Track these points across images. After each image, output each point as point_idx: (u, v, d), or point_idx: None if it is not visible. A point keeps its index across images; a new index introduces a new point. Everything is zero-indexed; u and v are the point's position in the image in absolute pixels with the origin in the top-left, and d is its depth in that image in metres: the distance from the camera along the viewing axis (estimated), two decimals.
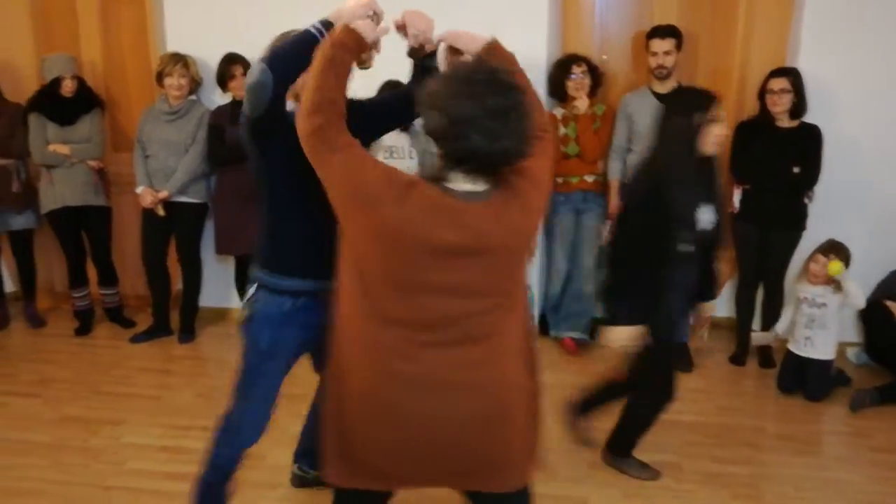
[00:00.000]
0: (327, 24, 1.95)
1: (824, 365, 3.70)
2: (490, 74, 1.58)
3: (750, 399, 3.73)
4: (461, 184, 1.65)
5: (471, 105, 1.54)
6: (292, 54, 1.94)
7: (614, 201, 4.12)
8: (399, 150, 3.99)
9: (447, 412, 1.67)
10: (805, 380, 3.71)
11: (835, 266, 3.54)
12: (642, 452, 3.16)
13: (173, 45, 4.39)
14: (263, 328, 2.20)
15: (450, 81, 1.59)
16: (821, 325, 3.67)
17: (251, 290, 2.22)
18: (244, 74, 4.14)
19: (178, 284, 4.45)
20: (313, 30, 1.95)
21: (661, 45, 3.93)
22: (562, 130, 4.10)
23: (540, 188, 1.75)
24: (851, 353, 4.18)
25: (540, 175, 1.76)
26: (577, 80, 4.02)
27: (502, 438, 1.74)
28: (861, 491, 2.94)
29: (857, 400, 3.59)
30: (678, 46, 3.94)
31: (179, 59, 4.15)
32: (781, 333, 3.87)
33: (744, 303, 4.18)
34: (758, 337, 4.01)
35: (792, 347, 3.77)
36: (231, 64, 4.13)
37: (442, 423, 1.68)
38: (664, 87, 4.00)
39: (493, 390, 1.71)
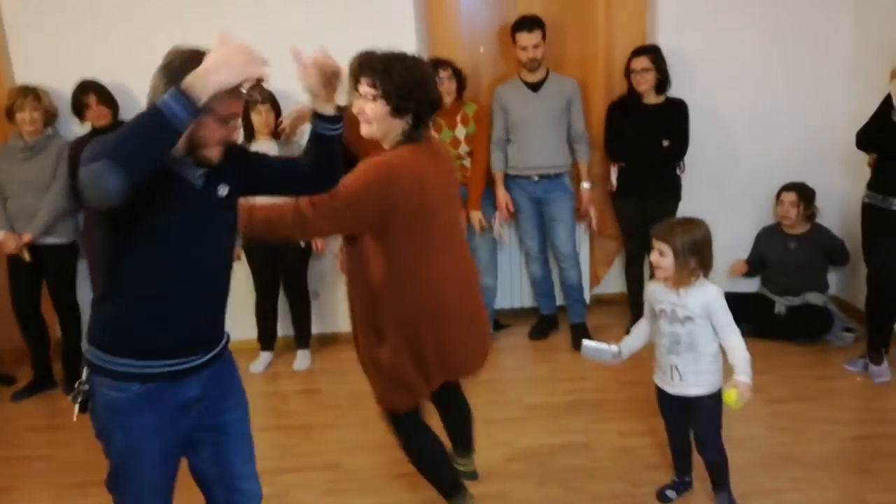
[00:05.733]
0: (182, 96, 1.46)
1: (710, 399, 2.55)
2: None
3: (648, 370, 3.83)
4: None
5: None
6: (139, 150, 1.47)
7: (501, 192, 4.14)
8: None
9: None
10: (689, 420, 2.65)
11: (730, 395, 2.36)
12: (552, 436, 3.21)
13: (22, 76, 4.11)
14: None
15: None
16: (689, 348, 2.50)
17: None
18: (99, 103, 3.92)
19: (57, 332, 4.18)
20: (165, 110, 1.46)
21: (528, 38, 3.95)
22: (434, 136, 4.09)
23: None
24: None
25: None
26: (445, 87, 3.93)
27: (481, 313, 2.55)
28: (765, 444, 3.10)
29: None
30: (544, 37, 3.99)
31: (30, 92, 3.87)
32: (626, 354, 2.70)
33: (633, 277, 4.32)
34: (590, 349, 2.69)
35: (658, 382, 2.64)
36: (84, 93, 3.90)
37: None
38: (535, 77, 4.05)
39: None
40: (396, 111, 2.20)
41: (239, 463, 2.00)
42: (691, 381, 2.52)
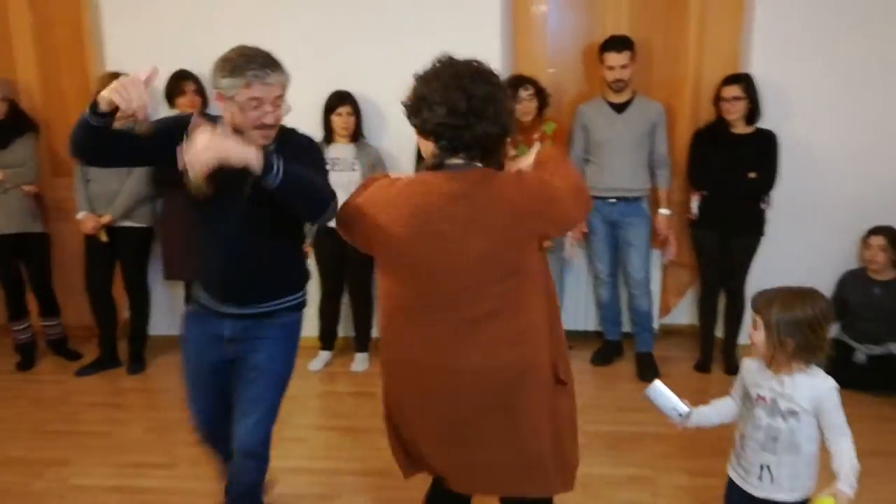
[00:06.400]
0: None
1: None
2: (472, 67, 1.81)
3: None
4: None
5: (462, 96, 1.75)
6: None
7: None
8: (342, 162, 3.90)
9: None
10: None
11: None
12: (613, 468, 3.10)
13: (112, 64, 4.22)
14: None
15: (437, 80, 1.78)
16: (789, 448, 2.07)
17: None
18: (196, 91, 4.00)
19: (125, 313, 4.25)
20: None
21: (616, 58, 3.85)
22: (511, 153, 4.03)
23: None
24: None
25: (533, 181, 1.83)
26: (524, 106, 3.90)
27: (508, 427, 1.82)
28: None
29: None
30: (633, 58, 3.89)
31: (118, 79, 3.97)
32: (693, 423, 2.30)
33: (706, 310, 4.16)
34: (658, 393, 2.29)
35: (737, 478, 2.19)
36: (181, 80, 3.99)
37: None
38: (620, 98, 3.96)
39: (492, 375, 1.80)
40: (417, 129, 1.86)
41: (239, 416, 2.28)
42: (785, 485, 2.07)
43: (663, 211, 4.04)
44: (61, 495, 2.98)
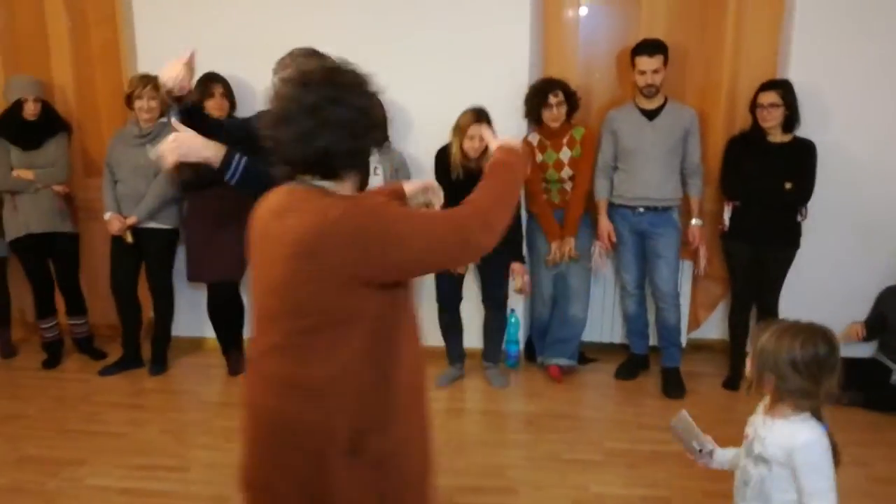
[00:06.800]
0: None
1: None
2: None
3: (742, 430, 3.54)
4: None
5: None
6: None
7: (604, 221, 3.95)
8: None
9: None
10: None
11: None
12: (629, 488, 3.00)
13: (145, 66, 4.25)
14: None
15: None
16: (758, 496, 1.86)
17: None
18: (224, 94, 4.00)
19: (149, 313, 4.28)
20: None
21: (649, 62, 3.73)
22: (539, 157, 3.95)
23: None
24: None
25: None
26: (554, 114, 3.85)
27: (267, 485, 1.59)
28: None
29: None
30: (665, 62, 3.77)
31: (150, 81, 3.99)
32: (714, 464, 2.03)
33: (737, 324, 4.02)
34: (683, 426, 2.00)
35: None
36: (210, 82, 3.99)
37: None
38: (651, 104, 3.84)
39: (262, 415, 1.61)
40: None
41: None
42: None
43: (695, 221, 3.90)
44: (75, 495, 3.00)
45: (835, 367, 1.74)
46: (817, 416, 1.78)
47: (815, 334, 1.75)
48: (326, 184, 1.55)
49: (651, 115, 3.83)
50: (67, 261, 4.25)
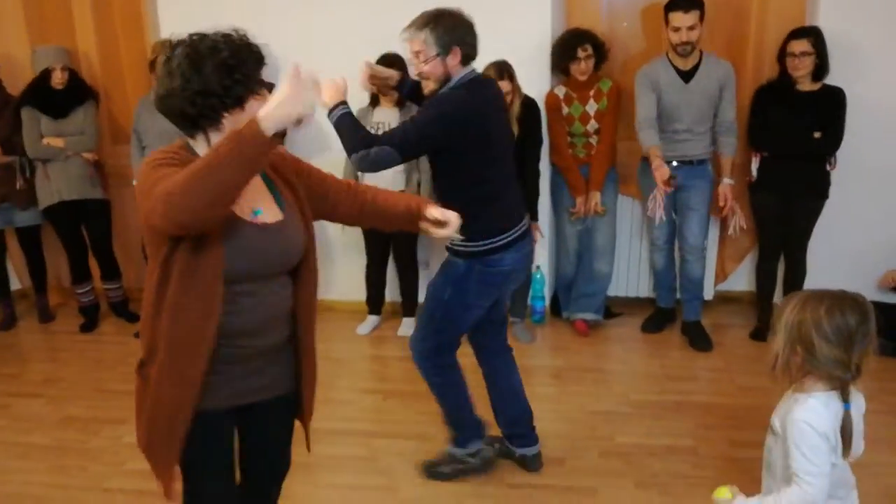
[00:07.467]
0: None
1: None
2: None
3: (765, 376, 3.54)
4: None
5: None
6: None
7: (662, 167, 3.52)
8: (385, 126, 3.86)
9: None
10: None
11: (721, 492, 1.87)
12: (655, 438, 3.04)
13: (167, 32, 4.27)
14: None
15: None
16: (767, 465, 1.89)
17: None
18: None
19: None
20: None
21: (684, 18, 3.56)
22: (565, 110, 3.92)
23: None
24: None
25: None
26: (582, 67, 3.80)
27: None
28: (892, 472, 2.77)
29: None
30: (702, 18, 3.60)
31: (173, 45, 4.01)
32: None
33: (765, 275, 4.00)
34: None
35: None
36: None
37: None
38: (687, 63, 3.68)
39: None
40: None
41: None
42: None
43: (727, 181, 3.76)
44: (115, 452, 3.11)
45: (867, 336, 1.64)
46: (844, 392, 1.67)
47: (844, 301, 1.65)
48: (189, 140, 1.72)
49: (687, 76, 3.69)
50: (100, 227, 4.34)
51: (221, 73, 1.60)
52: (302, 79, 1.49)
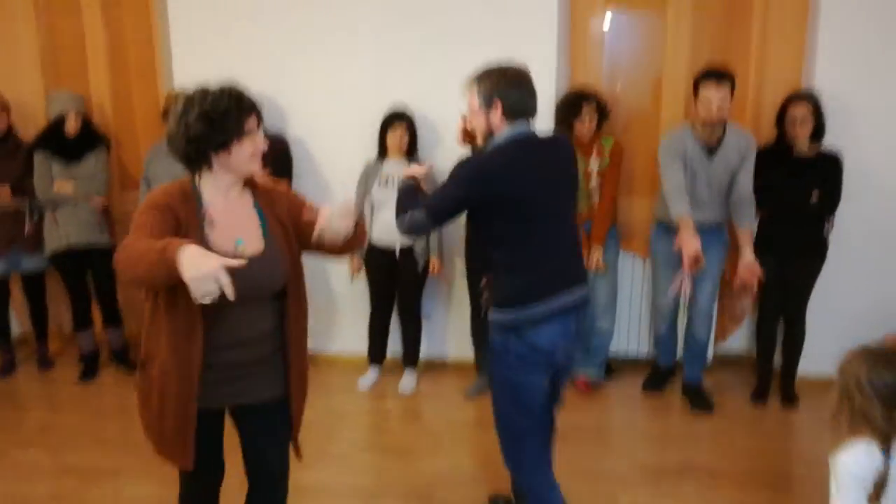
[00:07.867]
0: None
1: None
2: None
3: (769, 439, 3.56)
4: None
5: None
6: None
7: (691, 240, 3.22)
8: (394, 178, 3.92)
9: None
10: None
11: None
12: (657, 499, 3.02)
13: (180, 82, 4.36)
14: None
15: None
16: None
17: None
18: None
19: None
20: None
21: (716, 92, 3.46)
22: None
23: None
24: None
25: None
26: (587, 125, 3.88)
27: None
28: None
29: None
30: (732, 93, 3.54)
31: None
32: None
33: (765, 337, 4.02)
34: None
35: None
36: None
37: None
38: (712, 137, 3.60)
39: None
40: None
41: None
42: None
43: (749, 256, 3.50)
44: (115, 502, 3.08)
45: None
46: (885, 445, 1.73)
47: (890, 360, 1.74)
48: (195, 176, 2.01)
49: (711, 150, 3.64)
50: (105, 273, 4.35)
51: (203, 122, 1.88)
52: (214, 269, 1.62)
